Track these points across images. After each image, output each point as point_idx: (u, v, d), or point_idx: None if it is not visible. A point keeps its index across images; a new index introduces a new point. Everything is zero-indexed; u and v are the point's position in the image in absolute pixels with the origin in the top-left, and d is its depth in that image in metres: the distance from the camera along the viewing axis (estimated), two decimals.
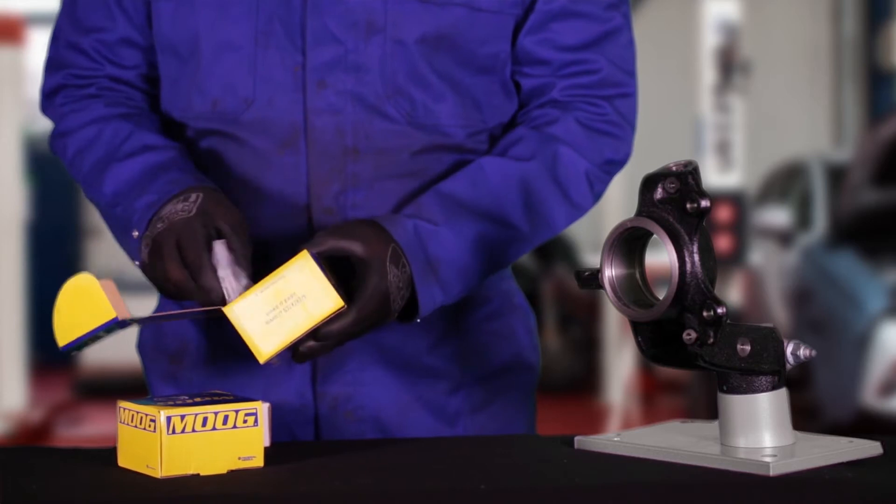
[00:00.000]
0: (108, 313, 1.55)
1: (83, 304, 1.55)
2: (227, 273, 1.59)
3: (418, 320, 1.69)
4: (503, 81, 1.80)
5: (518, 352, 1.86)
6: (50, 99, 1.88)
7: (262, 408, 1.48)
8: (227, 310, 1.57)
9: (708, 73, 8.02)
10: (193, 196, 1.65)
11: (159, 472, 1.43)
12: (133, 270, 1.79)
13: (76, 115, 1.83)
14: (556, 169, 1.77)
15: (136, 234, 1.68)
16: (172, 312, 1.69)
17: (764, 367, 1.45)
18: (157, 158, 1.75)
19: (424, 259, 1.67)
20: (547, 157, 1.77)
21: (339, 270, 1.63)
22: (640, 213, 1.49)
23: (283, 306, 1.57)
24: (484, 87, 1.79)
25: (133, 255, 1.70)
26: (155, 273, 1.64)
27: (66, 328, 1.56)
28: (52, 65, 1.88)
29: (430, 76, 1.75)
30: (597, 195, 1.82)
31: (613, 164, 1.82)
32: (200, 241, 1.61)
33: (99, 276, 1.58)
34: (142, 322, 1.62)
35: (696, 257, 1.46)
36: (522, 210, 1.75)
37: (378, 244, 1.64)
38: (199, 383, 1.80)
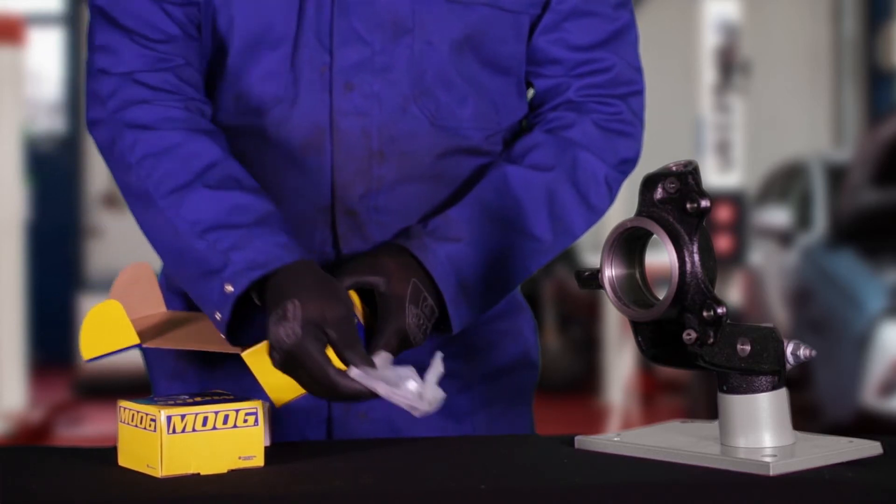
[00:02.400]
0: (132, 338, 1.60)
1: (110, 327, 1.60)
2: (356, 374, 1.51)
3: (453, 334, 1.70)
4: (518, 82, 1.81)
5: (525, 350, 1.87)
6: (126, 78, 1.69)
7: (263, 407, 1.48)
8: (245, 356, 1.58)
9: (708, 73, 8.03)
10: (290, 309, 1.53)
11: (159, 472, 1.43)
12: None
13: (152, 107, 1.69)
14: (576, 175, 1.77)
15: (229, 288, 1.59)
16: (195, 349, 1.69)
17: (764, 367, 1.45)
18: (250, 202, 1.64)
19: (457, 284, 1.67)
20: (567, 164, 1.77)
21: (364, 295, 1.64)
22: (640, 213, 1.49)
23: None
24: (502, 88, 1.79)
25: (216, 302, 1.59)
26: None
27: (91, 345, 1.61)
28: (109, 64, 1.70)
29: (456, 77, 1.74)
30: (613, 197, 1.82)
31: (628, 163, 1.83)
32: (319, 363, 1.52)
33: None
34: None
35: (696, 257, 1.46)
36: (547, 221, 1.75)
37: (399, 282, 1.63)
38: (209, 383, 1.78)
